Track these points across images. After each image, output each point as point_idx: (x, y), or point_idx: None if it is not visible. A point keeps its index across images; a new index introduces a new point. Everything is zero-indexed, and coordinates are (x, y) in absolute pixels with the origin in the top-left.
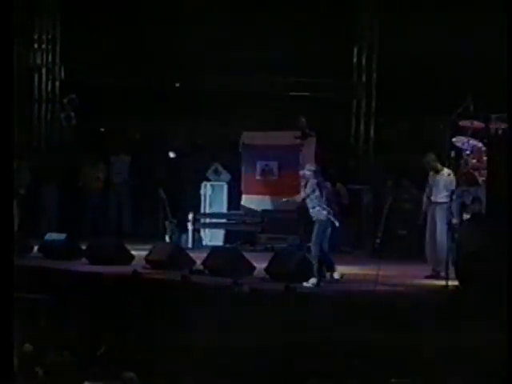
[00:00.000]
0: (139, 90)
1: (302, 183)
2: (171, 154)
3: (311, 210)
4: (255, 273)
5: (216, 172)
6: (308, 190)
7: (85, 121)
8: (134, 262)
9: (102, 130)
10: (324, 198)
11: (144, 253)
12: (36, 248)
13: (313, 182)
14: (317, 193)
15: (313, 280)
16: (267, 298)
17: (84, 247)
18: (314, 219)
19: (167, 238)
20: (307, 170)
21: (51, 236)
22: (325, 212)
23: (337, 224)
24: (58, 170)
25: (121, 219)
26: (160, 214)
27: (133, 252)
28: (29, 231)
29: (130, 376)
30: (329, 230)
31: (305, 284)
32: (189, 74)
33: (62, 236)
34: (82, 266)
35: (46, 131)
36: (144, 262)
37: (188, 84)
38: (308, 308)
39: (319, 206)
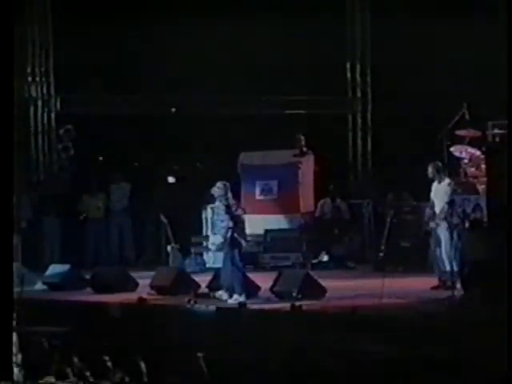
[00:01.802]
0: (136, 117)
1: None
2: (170, 179)
3: (219, 228)
4: (260, 293)
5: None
6: (216, 209)
7: (83, 151)
8: (138, 289)
9: (101, 158)
10: (229, 217)
11: (149, 279)
12: (40, 280)
13: (220, 200)
14: (222, 212)
15: (236, 296)
16: (274, 317)
17: (88, 277)
18: (222, 237)
19: (171, 263)
20: (216, 188)
21: (55, 268)
22: (230, 231)
23: (243, 244)
24: (58, 201)
25: (123, 246)
26: (162, 240)
27: (137, 279)
28: (32, 264)
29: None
30: (235, 250)
31: (229, 301)
32: (184, 98)
33: (66, 267)
34: (87, 295)
35: (45, 163)
36: (149, 288)
37: (184, 108)
38: (320, 326)
39: (225, 225)
